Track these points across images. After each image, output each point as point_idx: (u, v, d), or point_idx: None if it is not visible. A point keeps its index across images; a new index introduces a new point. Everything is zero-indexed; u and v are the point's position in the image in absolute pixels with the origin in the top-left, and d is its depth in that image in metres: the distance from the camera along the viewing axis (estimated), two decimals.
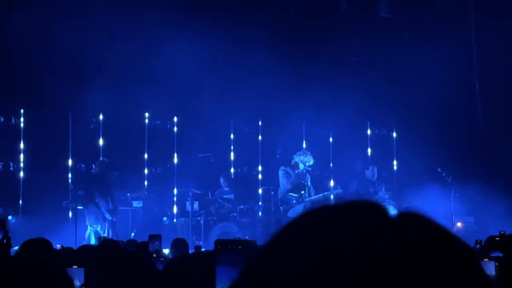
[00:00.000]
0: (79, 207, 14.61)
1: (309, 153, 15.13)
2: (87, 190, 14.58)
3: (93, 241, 13.85)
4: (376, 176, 15.75)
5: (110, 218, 14.35)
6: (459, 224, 15.55)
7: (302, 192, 14.73)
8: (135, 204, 15.59)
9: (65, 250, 6.58)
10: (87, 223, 14.46)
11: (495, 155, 17.05)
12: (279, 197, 15.00)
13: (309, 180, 14.96)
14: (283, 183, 14.88)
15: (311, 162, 14.94)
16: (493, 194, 15.52)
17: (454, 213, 14.56)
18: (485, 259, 5.95)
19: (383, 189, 15.74)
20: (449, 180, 15.24)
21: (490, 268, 5.76)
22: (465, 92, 17.37)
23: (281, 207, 14.95)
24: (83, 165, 16.07)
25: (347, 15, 17.41)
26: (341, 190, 15.52)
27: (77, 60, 15.44)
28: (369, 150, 17.41)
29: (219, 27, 15.74)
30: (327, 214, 0.96)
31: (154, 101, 15.92)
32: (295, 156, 15.05)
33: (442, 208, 14.66)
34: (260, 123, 17.12)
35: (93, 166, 15.26)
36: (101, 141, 16.22)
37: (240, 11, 16.71)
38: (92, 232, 14.35)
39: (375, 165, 15.97)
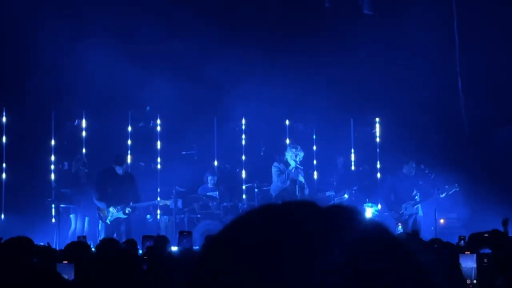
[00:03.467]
0: (62, 205, 14.56)
1: (297, 146, 14.91)
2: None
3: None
4: (414, 172, 15.13)
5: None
6: (441, 220, 15.61)
7: (296, 190, 14.60)
8: None
9: (78, 245, 6.57)
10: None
11: (478, 152, 17.14)
12: (273, 195, 14.89)
13: (300, 176, 14.80)
14: (276, 181, 14.78)
15: (301, 155, 14.76)
16: (476, 190, 15.60)
17: (437, 209, 14.61)
18: (466, 252, 6.02)
19: (419, 186, 15.25)
20: (432, 177, 15.28)
21: (470, 262, 5.81)
22: (447, 89, 17.44)
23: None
24: (65, 163, 15.98)
25: (330, 12, 17.42)
26: (334, 193, 15.46)
27: (60, 58, 15.37)
28: (352, 151, 17.45)
29: (202, 26, 15.72)
30: (263, 214, 1.07)
31: (137, 98, 15.89)
32: (285, 153, 14.95)
33: (425, 205, 14.72)
34: (243, 120, 17.11)
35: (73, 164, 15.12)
36: (84, 140, 16.16)
37: (222, 10, 16.69)
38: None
39: (413, 161, 15.34)
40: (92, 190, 14.40)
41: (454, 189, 14.87)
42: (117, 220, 14.28)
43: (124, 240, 10.70)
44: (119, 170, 14.45)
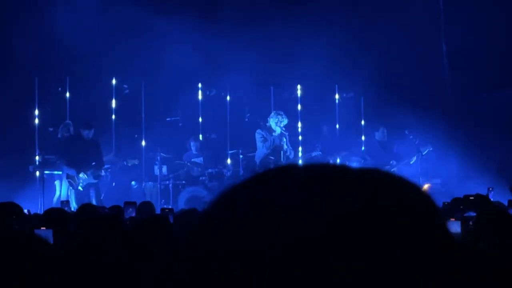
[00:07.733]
0: (46, 172, 14.50)
1: (281, 113, 14.94)
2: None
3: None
4: (386, 138, 15.35)
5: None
6: (426, 185, 15.70)
7: (281, 156, 14.63)
8: None
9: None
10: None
11: (461, 117, 17.19)
12: (258, 162, 14.89)
13: (286, 142, 14.82)
14: (260, 147, 14.79)
15: (285, 122, 14.81)
16: (461, 156, 15.68)
17: (421, 174, 14.69)
18: (451, 219, 6.06)
19: (395, 150, 15.42)
20: (416, 143, 15.33)
21: (456, 227, 5.86)
22: (432, 54, 17.43)
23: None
24: (50, 129, 15.88)
25: None
26: (320, 152, 15.51)
27: (45, 23, 15.22)
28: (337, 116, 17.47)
29: None
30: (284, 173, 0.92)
31: (122, 65, 15.80)
32: (269, 119, 14.95)
33: (409, 170, 14.79)
34: (228, 87, 17.04)
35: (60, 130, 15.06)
36: (68, 106, 16.05)
37: None
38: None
39: (384, 127, 15.55)
40: (60, 158, 14.29)
41: (428, 149, 15.04)
42: (87, 186, 14.18)
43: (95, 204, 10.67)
44: (87, 134, 14.33)
